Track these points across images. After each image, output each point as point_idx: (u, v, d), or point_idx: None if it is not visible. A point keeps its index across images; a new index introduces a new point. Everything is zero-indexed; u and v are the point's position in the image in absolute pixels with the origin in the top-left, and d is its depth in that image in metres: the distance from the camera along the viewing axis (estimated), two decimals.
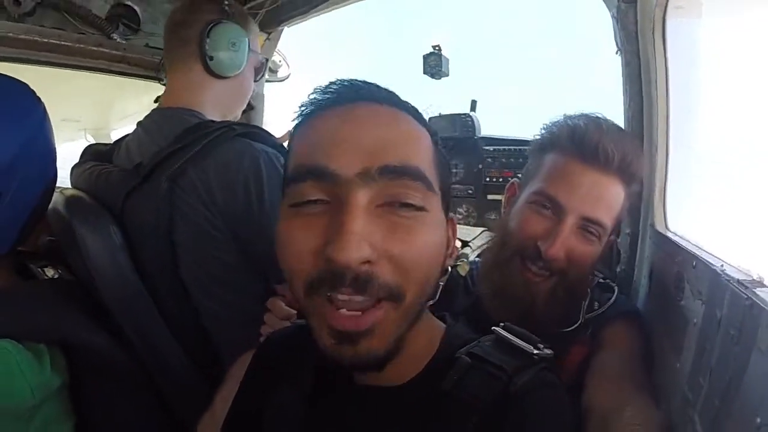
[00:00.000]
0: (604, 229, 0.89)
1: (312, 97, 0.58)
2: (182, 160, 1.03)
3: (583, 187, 0.87)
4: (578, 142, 0.89)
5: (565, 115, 0.95)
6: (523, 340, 0.61)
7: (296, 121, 0.59)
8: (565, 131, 0.92)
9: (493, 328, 0.64)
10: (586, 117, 0.93)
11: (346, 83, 0.57)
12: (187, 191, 1.04)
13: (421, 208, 0.52)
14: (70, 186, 1.27)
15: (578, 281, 0.90)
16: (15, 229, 0.91)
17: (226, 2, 1.19)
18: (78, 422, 0.97)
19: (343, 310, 0.50)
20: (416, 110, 0.59)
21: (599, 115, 0.94)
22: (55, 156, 0.99)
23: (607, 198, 0.89)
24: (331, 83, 0.58)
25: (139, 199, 1.07)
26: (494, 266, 0.94)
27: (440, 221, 0.56)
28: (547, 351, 0.60)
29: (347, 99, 0.56)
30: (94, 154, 1.32)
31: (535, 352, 0.59)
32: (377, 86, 0.58)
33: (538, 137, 0.98)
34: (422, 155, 0.55)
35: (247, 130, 1.11)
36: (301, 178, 0.53)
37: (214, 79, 1.20)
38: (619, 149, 0.87)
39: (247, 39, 1.22)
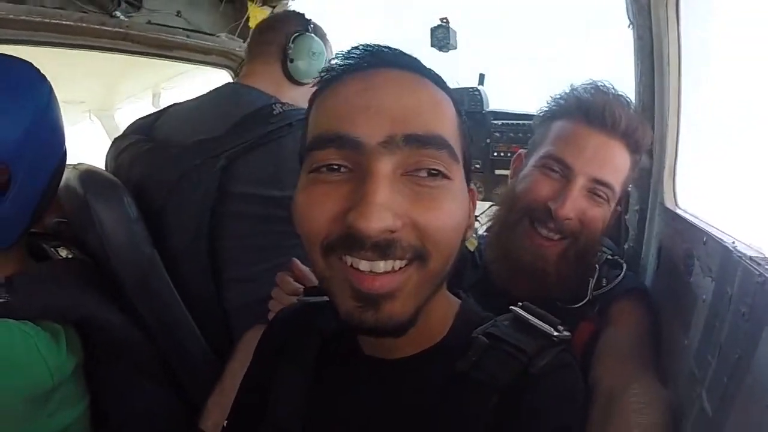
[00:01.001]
0: (612, 191, 0.90)
1: (334, 62, 0.56)
2: (243, 142, 1.09)
3: (589, 149, 0.89)
4: (585, 107, 0.91)
5: (571, 85, 0.96)
6: (542, 320, 0.60)
7: (317, 86, 0.58)
8: (572, 99, 0.94)
9: (510, 307, 0.63)
10: (593, 85, 0.95)
11: (369, 48, 0.55)
12: (246, 173, 1.09)
13: (445, 177, 0.51)
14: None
15: (589, 245, 0.91)
16: (28, 211, 0.90)
17: (311, 23, 1.32)
18: (91, 401, 0.98)
19: (368, 271, 0.49)
20: (440, 77, 0.57)
21: (606, 83, 0.95)
22: (64, 135, 0.97)
23: (614, 160, 0.90)
24: (354, 48, 0.56)
25: (196, 174, 1.10)
26: (502, 230, 0.95)
27: (463, 190, 0.55)
28: (566, 333, 0.59)
29: (370, 65, 0.54)
30: (135, 128, 1.34)
31: (555, 333, 0.59)
32: (401, 52, 0.56)
33: (545, 107, 0.99)
34: (446, 123, 0.54)
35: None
36: (322, 145, 0.51)
37: (288, 82, 1.29)
38: (626, 115, 0.89)
39: (325, 53, 1.32)
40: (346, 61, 0.55)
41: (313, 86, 0.59)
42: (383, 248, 0.48)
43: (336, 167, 0.51)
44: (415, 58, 0.56)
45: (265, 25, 1.36)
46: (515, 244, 0.91)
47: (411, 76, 0.54)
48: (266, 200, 1.09)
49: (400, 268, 0.50)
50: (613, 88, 0.94)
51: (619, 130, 0.89)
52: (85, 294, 0.96)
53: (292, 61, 1.26)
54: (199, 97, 1.27)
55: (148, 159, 1.18)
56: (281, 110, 1.14)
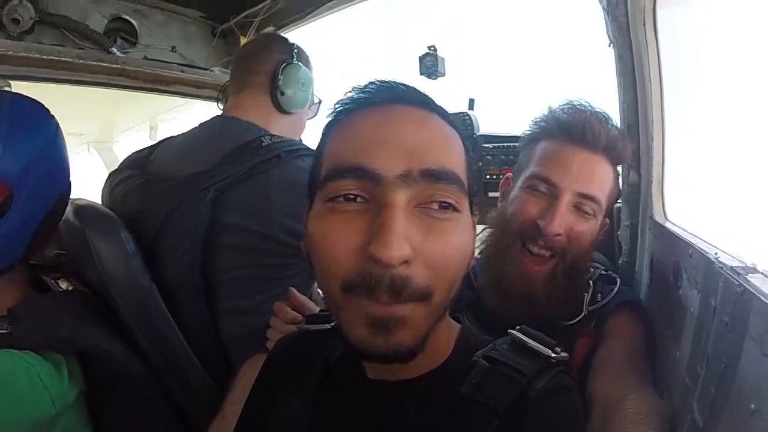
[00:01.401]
0: (598, 205, 0.92)
1: (348, 95, 0.59)
2: (235, 173, 1.09)
3: (574, 166, 0.91)
4: (565, 126, 0.94)
5: (549, 107, 0.99)
6: (539, 343, 0.61)
7: (330, 119, 0.60)
8: (552, 120, 0.97)
9: (509, 330, 0.64)
10: (570, 104, 0.98)
11: (384, 84, 0.58)
12: (237, 203, 1.09)
13: (455, 210, 0.54)
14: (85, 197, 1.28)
15: (577, 261, 0.92)
16: (26, 236, 0.92)
17: (295, 49, 1.30)
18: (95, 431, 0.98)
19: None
20: (447, 113, 0.60)
21: (583, 101, 0.98)
22: (69, 168, 1.01)
23: (598, 175, 0.93)
24: (370, 83, 0.58)
25: (187, 205, 1.10)
26: (494, 255, 0.96)
27: (470, 222, 0.58)
28: (564, 354, 0.60)
29: (385, 100, 0.57)
30: (130, 162, 1.35)
31: (553, 355, 0.59)
32: (415, 89, 0.59)
33: (527, 131, 1.02)
34: (456, 158, 0.56)
35: (298, 152, 1.16)
36: (341, 175, 0.53)
37: (278, 112, 1.28)
38: (605, 129, 0.93)
39: (312, 82, 1.32)
40: (361, 94, 0.58)
41: (327, 116, 0.61)
42: (397, 288, 0.50)
43: (352, 197, 0.52)
44: (427, 96, 0.59)
45: (250, 53, 1.34)
46: (505, 270, 0.93)
47: (423, 113, 0.57)
48: (257, 233, 1.09)
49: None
50: (590, 105, 0.97)
51: (600, 146, 0.92)
52: (86, 325, 0.97)
53: (282, 93, 1.26)
54: (190, 130, 1.28)
55: (141, 193, 1.19)
56: (270, 142, 1.15)
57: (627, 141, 0.97)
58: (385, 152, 0.52)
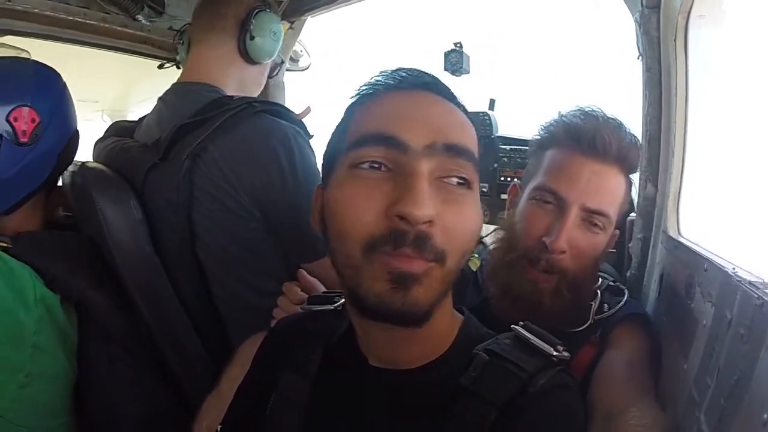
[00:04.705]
0: (607, 218, 0.90)
1: (376, 79, 0.63)
2: (202, 136, 1.04)
3: (583, 178, 0.88)
4: (575, 135, 0.90)
5: (559, 112, 0.97)
6: (542, 340, 0.62)
7: (356, 98, 0.65)
8: (561, 127, 0.94)
9: (512, 326, 0.65)
10: (581, 110, 0.95)
11: (414, 71, 0.63)
12: (209, 168, 1.05)
13: (469, 187, 0.58)
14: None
15: (582, 278, 0.90)
16: (50, 162, 1.07)
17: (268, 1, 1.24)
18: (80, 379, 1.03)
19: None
20: (466, 109, 0.64)
21: (594, 108, 0.95)
22: (76, 117, 1.14)
23: (608, 188, 0.90)
24: (399, 69, 0.63)
25: (159, 176, 1.08)
26: (501, 267, 0.95)
27: (479, 200, 0.61)
28: (566, 353, 0.61)
29: (412, 85, 0.61)
30: (117, 130, 1.34)
31: (555, 353, 0.60)
32: (438, 79, 0.64)
33: (536, 137, 1.00)
34: (473, 144, 0.60)
35: (268, 106, 1.12)
36: (368, 143, 0.57)
37: (242, 60, 1.23)
38: (616, 138, 0.90)
39: (282, 36, 1.27)
40: (389, 78, 0.63)
41: (351, 97, 0.65)
42: (422, 242, 0.53)
43: (377, 165, 0.56)
44: (449, 88, 0.64)
45: None
46: (514, 280, 0.91)
47: (446, 102, 0.62)
48: (236, 198, 1.05)
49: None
50: (602, 111, 0.95)
51: (611, 156, 0.89)
52: (78, 269, 1.04)
53: (252, 38, 1.20)
54: (159, 99, 1.24)
55: (118, 158, 1.19)
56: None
57: (638, 149, 0.94)
58: (413, 125, 0.57)
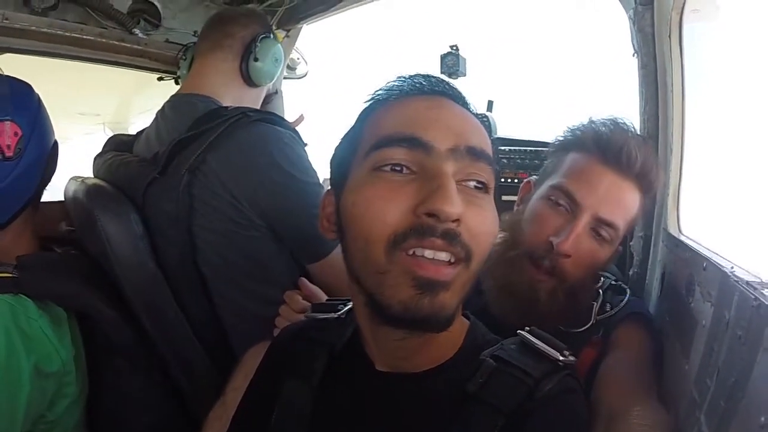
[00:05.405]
0: (616, 232, 0.89)
1: (392, 84, 0.64)
2: (200, 149, 1.05)
3: (601, 188, 0.88)
4: (603, 143, 0.89)
5: (590, 118, 0.96)
6: (548, 345, 0.62)
7: (371, 102, 0.65)
8: (590, 133, 0.93)
9: (518, 331, 0.65)
10: (612, 121, 0.93)
11: (430, 77, 0.64)
12: (208, 179, 1.05)
13: (487, 191, 0.59)
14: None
15: (579, 286, 0.90)
16: (36, 176, 1.06)
17: (272, 29, 1.30)
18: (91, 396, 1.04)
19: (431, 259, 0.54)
20: (477, 115, 0.65)
21: (625, 120, 0.94)
22: (53, 130, 1.12)
23: (624, 201, 0.89)
24: (418, 74, 0.64)
25: (158, 190, 1.09)
26: (501, 262, 0.93)
27: (494, 205, 0.61)
28: (572, 358, 0.61)
29: (431, 91, 0.62)
30: (116, 143, 1.35)
31: (561, 358, 0.60)
32: (454, 86, 0.65)
33: (560, 137, 0.99)
34: (489, 147, 0.62)
35: (263, 115, 1.13)
36: (390, 144, 0.57)
37: (241, 80, 1.26)
38: (642, 155, 0.88)
39: (282, 64, 1.31)
40: (409, 83, 0.63)
41: (366, 102, 0.65)
42: (450, 237, 0.54)
43: (399, 168, 0.56)
44: (463, 94, 0.65)
45: (229, 17, 1.31)
46: (512, 276, 0.91)
47: (461, 107, 0.63)
48: (237, 207, 1.06)
49: (454, 263, 0.55)
50: (633, 125, 0.94)
51: (633, 171, 0.88)
52: (87, 287, 1.03)
53: (257, 60, 1.24)
54: (158, 112, 1.26)
55: (117, 173, 1.20)
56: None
57: (660, 170, 0.93)
58: (436, 127, 0.57)
